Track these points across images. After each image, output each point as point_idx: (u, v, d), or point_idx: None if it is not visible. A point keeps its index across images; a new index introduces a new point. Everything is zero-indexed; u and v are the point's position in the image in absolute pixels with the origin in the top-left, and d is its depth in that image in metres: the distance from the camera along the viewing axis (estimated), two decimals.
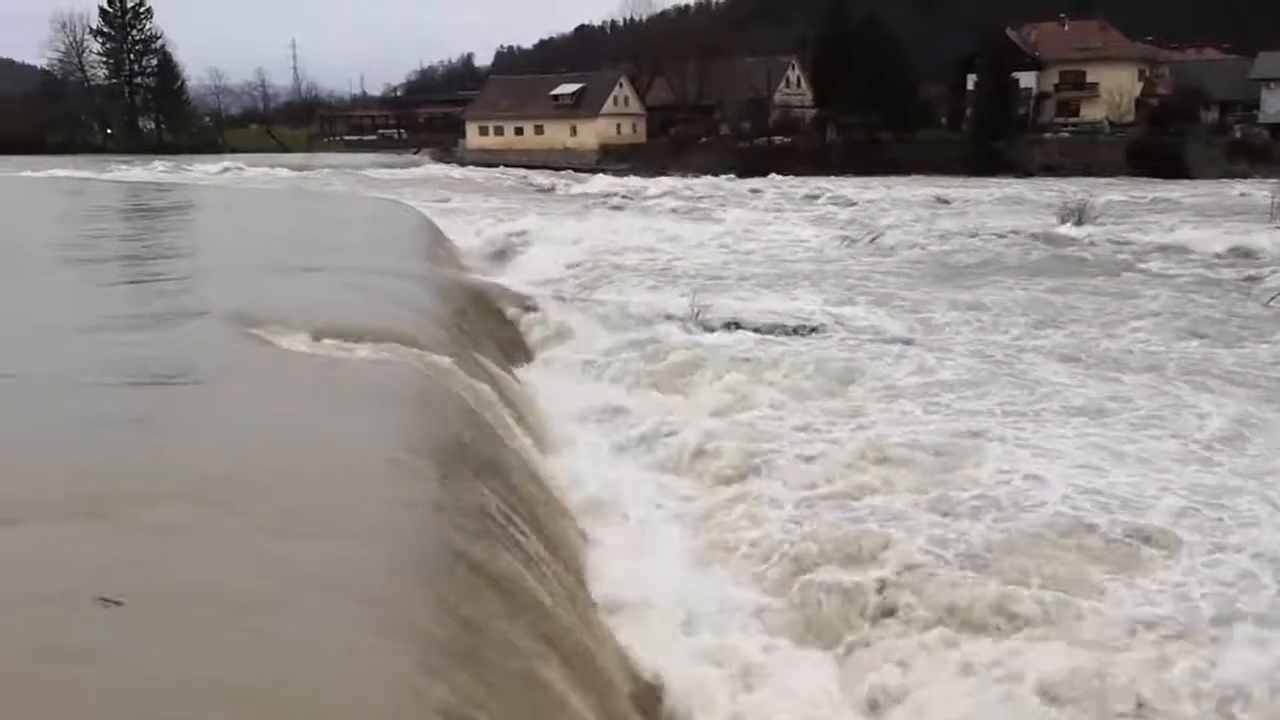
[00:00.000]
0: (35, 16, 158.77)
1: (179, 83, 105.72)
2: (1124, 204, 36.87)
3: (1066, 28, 73.32)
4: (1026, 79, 68.35)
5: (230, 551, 4.29)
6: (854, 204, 39.76)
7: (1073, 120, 68.10)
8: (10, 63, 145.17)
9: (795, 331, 13.88)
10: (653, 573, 6.48)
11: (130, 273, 13.81)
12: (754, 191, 47.13)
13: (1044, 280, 19.05)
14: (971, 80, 67.00)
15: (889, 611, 6.06)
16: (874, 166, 58.60)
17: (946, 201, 40.36)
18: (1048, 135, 64.80)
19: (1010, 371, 11.56)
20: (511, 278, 18.31)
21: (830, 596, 6.20)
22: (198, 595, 3.81)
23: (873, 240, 25.34)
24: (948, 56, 71.35)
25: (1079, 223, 26.17)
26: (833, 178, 54.27)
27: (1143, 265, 20.42)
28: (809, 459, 8.44)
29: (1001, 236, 24.82)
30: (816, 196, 43.39)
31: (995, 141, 61.31)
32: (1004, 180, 52.35)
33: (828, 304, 16.08)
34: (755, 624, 6.12)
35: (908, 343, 13.28)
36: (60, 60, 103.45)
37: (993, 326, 15.13)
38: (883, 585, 6.25)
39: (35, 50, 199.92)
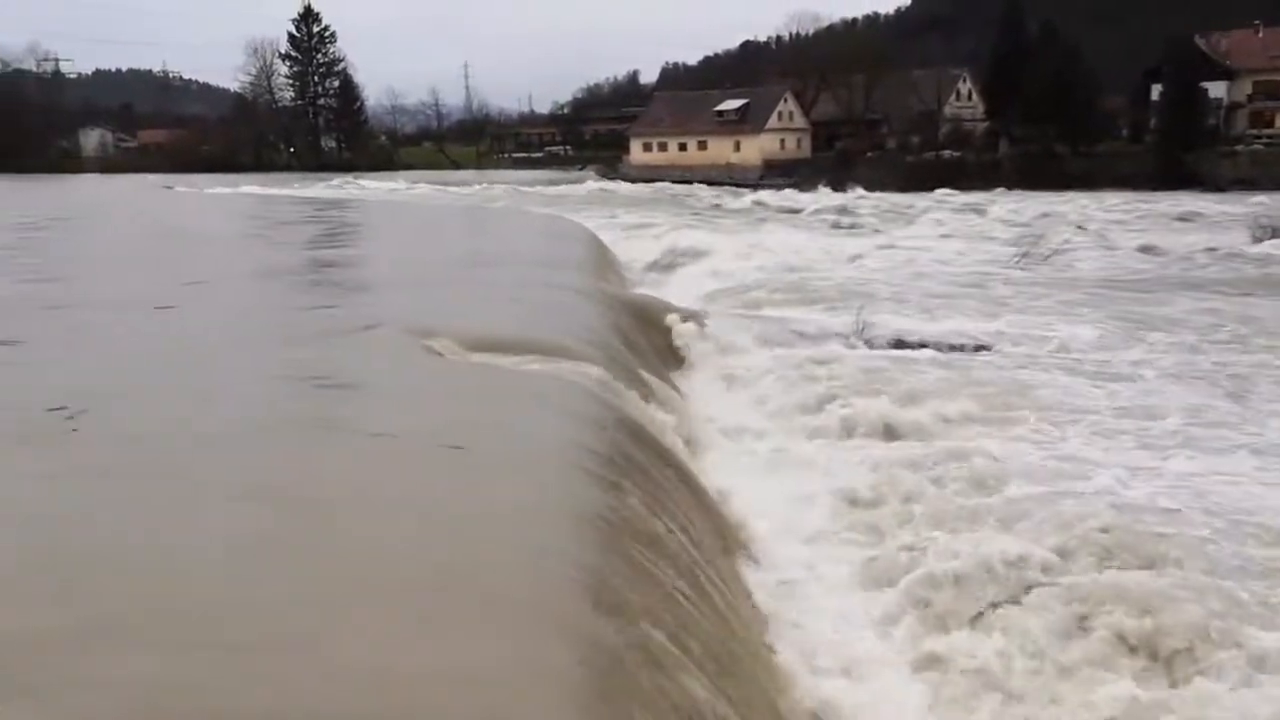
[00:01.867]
0: (230, 43, 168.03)
1: (358, 103, 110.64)
2: None
3: (1261, 35, 69.23)
4: (1216, 89, 64.83)
5: (391, 550, 4.37)
6: (1027, 219, 38.38)
7: (1267, 132, 64.21)
8: (207, 86, 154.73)
9: (965, 349, 13.46)
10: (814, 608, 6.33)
11: (311, 286, 14.43)
12: (922, 206, 46.10)
13: (1245, 300, 17.86)
14: (1156, 91, 64.01)
15: None
16: (1049, 181, 56.36)
17: (1126, 216, 38.59)
18: (1239, 148, 61.25)
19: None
20: (673, 292, 18.34)
21: None
22: (356, 584, 3.94)
23: (1048, 257, 24.41)
24: (1130, 67, 68.39)
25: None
26: (1005, 192, 52.62)
27: None
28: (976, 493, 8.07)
29: (1191, 254, 23.60)
30: (987, 211, 42.12)
31: (1182, 155, 58.30)
32: (1192, 195, 49.68)
33: (1000, 322, 15.50)
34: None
35: (1083, 365, 12.68)
36: (251, 83, 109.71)
37: (1193, 349, 13.91)
38: None
39: (229, 75, 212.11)
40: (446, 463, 5.73)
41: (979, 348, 13.64)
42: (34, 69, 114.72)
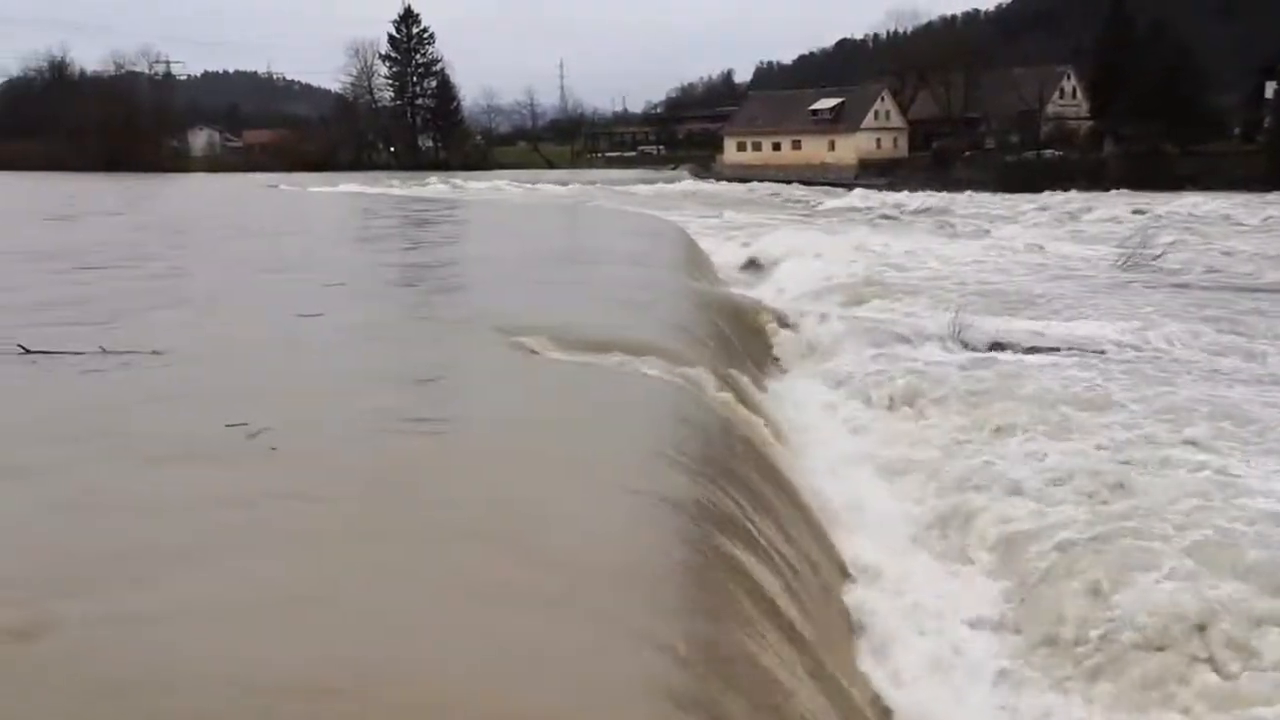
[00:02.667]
0: (333, 45, 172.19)
1: (455, 103, 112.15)
2: None
3: None
4: None
5: (486, 546, 4.40)
6: (1132, 220, 37.29)
7: None
8: (309, 87, 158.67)
9: (1065, 354, 13.11)
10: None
11: (408, 283, 14.67)
12: (1022, 207, 45.12)
13: None
14: (1271, 89, 61.71)
15: None
16: (1155, 181, 54.59)
17: (1238, 218, 37.26)
18: None
19: None
20: (766, 292, 18.23)
21: None
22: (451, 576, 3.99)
23: (1155, 259, 23.69)
24: (1243, 64, 66.07)
25: None
26: (1109, 192, 51.21)
27: None
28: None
29: None
30: (1091, 211, 41.06)
31: None
32: None
33: (1104, 326, 15.07)
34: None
35: (1200, 368, 12.24)
36: (352, 84, 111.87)
37: None
38: None
39: (331, 76, 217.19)
40: (533, 459, 5.75)
41: (1080, 350, 13.27)
42: (147, 71, 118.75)
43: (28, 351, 7.86)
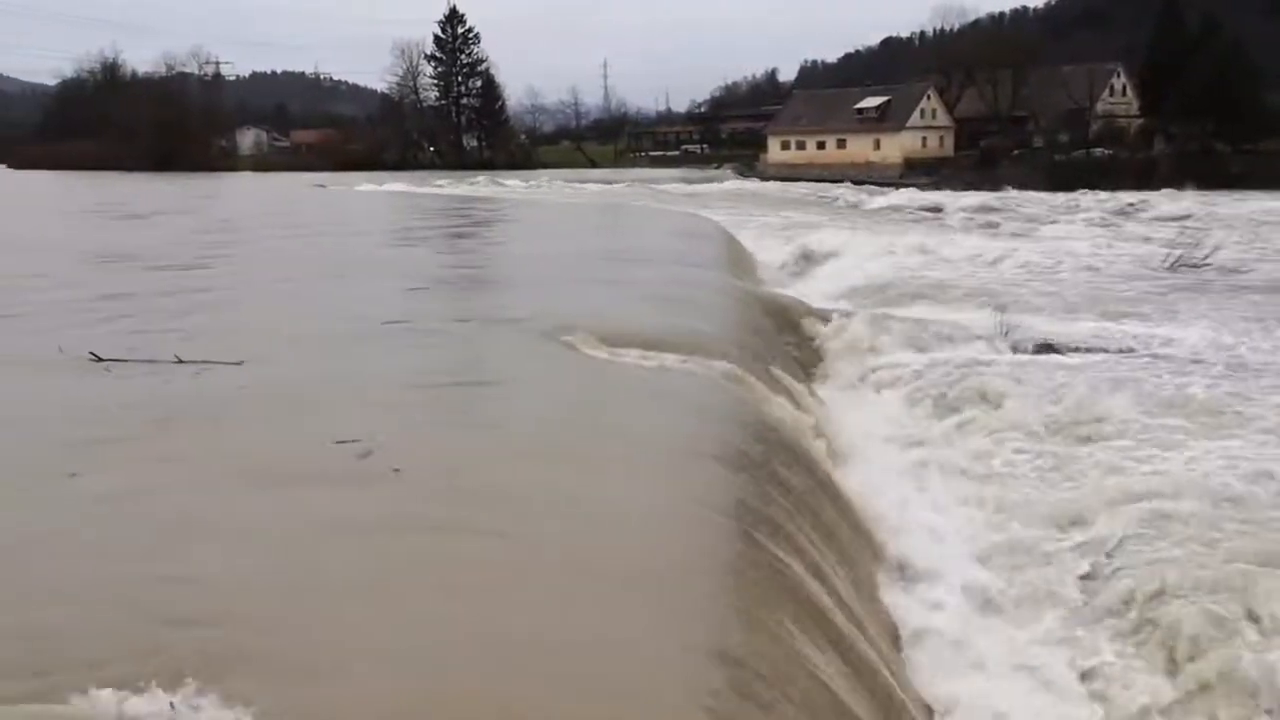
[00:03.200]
0: (379, 45, 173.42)
1: (500, 102, 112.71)
2: None
3: None
4: None
5: (527, 544, 4.43)
6: (1181, 219, 36.67)
7: None
8: (356, 87, 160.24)
9: (1114, 355, 12.94)
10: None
11: (455, 281, 14.78)
12: (1070, 206, 44.56)
13: None
14: None
15: None
16: (1207, 180, 53.50)
17: None
18: None
19: None
20: (810, 291, 18.17)
21: None
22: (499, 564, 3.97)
23: (1204, 259, 23.30)
24: None
25: None
26: (1159, 192, 50.41)
27: None
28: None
29: None
30: (1140, 211, 40.48)
31: None
32: None
33: (1154, 327, 14.86)
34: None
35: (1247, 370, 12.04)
36: (398, 84, 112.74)
37: None
38: None
39: (378, 76, 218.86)
40: (578, 456, 5.78)
41: (1128, 351, 13.10)
42: (196, 71, 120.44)
43: (100, 360, 7.35)
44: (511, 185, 63.75)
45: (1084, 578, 6.55)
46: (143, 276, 14.54)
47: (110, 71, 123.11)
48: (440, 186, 60.25)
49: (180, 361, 7.48)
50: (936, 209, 44.82)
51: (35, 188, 60.50)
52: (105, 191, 50.21)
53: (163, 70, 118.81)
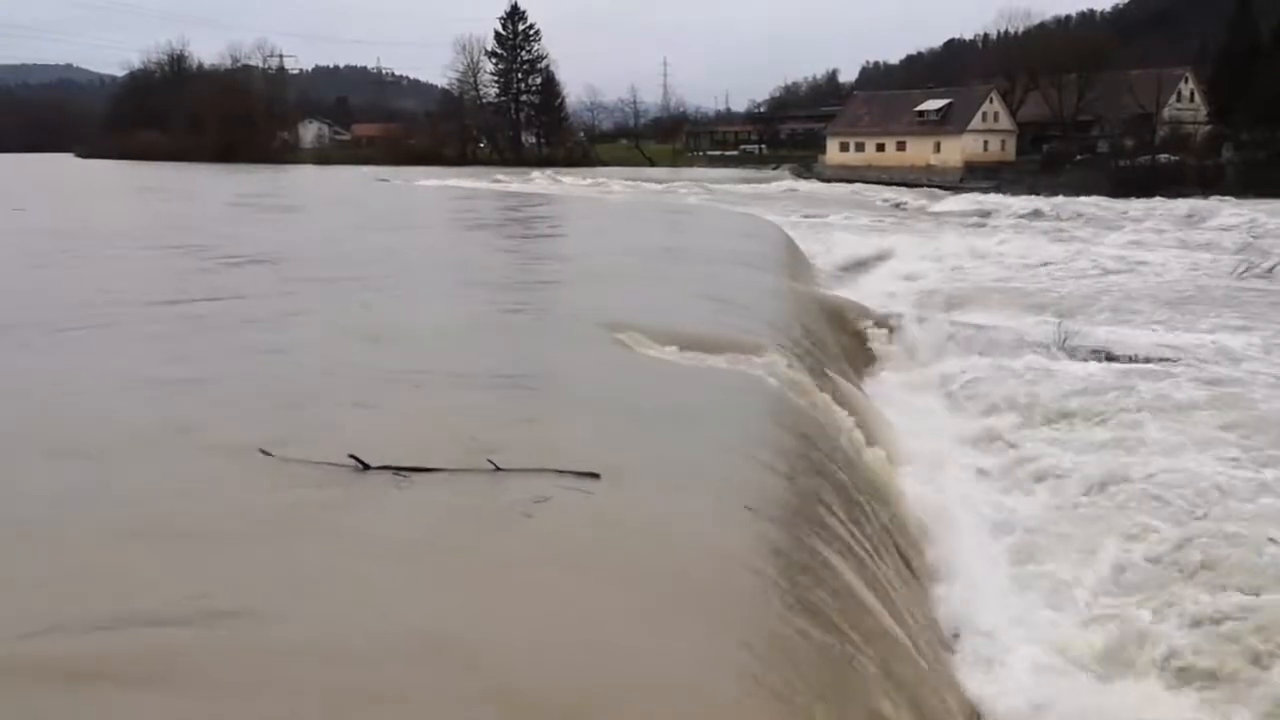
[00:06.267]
0: (441, 41, 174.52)
1: (559, 100, 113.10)
2: None
3: None
4: None
5: (580, 524, 4.43)
6: (1250, 227, 35.89)
7: None
8: (417, 83, 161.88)
9: (1173, 363, 12.68)
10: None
11: (511, 278, 14.84)
12: (1134, 213, 43.78)
13: None
14: None
15: None
16: (1276, 188, 52.35)
17: None
18: None
19: None
20: (866, 293, 18.02)
21: None
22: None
23: (1271, 269, 22.79)
24: None
25: None
26: (1227, 199, 49.34)
27: None
28: None
29: None
30: (1207, 219, 39.65)
31: None
32: None
33: (1218, 337, 14.55)
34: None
35: None
36: (458, 79, 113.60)
37: None
38: None
39: (439, 72, 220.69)
40: (624, 453, 5.77)
41: (1193, 361, 12.83)
42: (261, 64, 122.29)
43: (367, 468, 5.11)
44: (568, 183, 63.98)
45: None
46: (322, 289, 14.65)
47: (177, 63, 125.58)
48: (501, 183, 60.60)
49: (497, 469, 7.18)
50: (996, 213, 44.24)
51: (142, 178, 61.20)
52: (211, 185, 50.63)
53: (228, 63, 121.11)
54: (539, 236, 23.67)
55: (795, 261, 20.59)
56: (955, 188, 62.65)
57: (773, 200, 51.19)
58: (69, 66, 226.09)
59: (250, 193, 43.10)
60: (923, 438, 9.54)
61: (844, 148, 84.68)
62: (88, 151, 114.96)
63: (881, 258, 23.51)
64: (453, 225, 27.56)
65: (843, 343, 12.85)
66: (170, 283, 13.09)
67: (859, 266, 22.88)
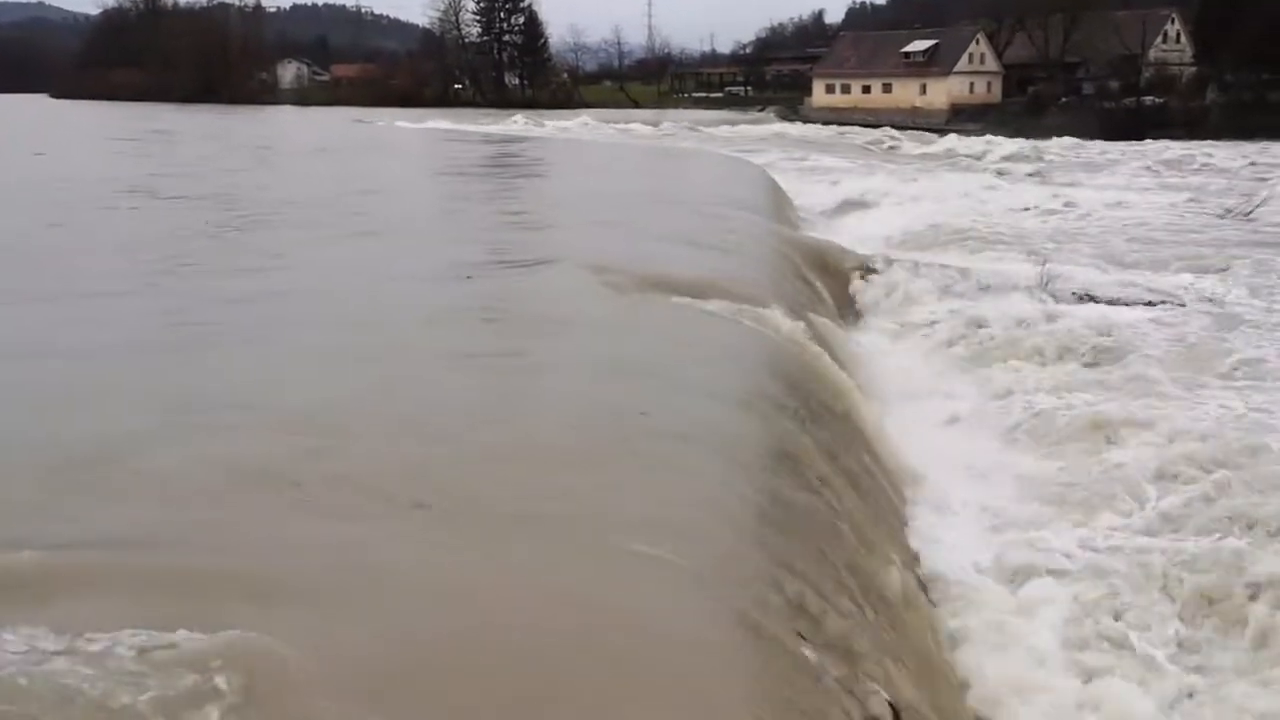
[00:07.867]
0: None
1: (542, 40, 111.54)
2: None
3: None
4: None
5: (579, 479, 4.46)
6: (1236, 170, 35.92)
7: None
8: (398, 22, 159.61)
9: (1156, 306, 12.78)
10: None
11: (496, 221, 14.80)
12: (1118, 155, 43.76)
13: None
14: None
15: None
16: (1261, 130, 52.32)
17: None
18: None
19: None
20: (851, 236, 18.00)
21: None
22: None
23: (1253, 211, 22.84)
24: None
25: None
26: (1210, 142, 49.33)
27: None
28: None
29: None
30: (1190, 161, 39.69)
31: None
32: None
33: (1199, 279, 14.62)
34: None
35: None
36: (440, 19, 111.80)
37: None
38: None
39: (420, 11, 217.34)
40: (617, 395, 5.80)
41: (1174, 302, 12.93)
42: (237, 2, 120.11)
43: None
44: (553, 125, 63.28)
45: None
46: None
47: (151, 1, 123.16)
48: (480, 124, 59.99)
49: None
50: (982, 156, 44.12)
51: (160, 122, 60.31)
52: (193, 125, 49.80)
53: (204, 1, 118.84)
54: (524, 178, 23.47)
55: (779, 204, 20.59)
56: (941, 130, 62.38)
57: (759, 142, 50.89)
58: (41, 4, 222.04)
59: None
60: (895, 377, 9.65)
61: (830, 90, 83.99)
62: (61, 91, 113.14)
63: (867, 200, 23.45)
64: (437, 168, 27.35)
65: (826, 285, 12.85)
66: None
67: (843, 209, 22.80)
